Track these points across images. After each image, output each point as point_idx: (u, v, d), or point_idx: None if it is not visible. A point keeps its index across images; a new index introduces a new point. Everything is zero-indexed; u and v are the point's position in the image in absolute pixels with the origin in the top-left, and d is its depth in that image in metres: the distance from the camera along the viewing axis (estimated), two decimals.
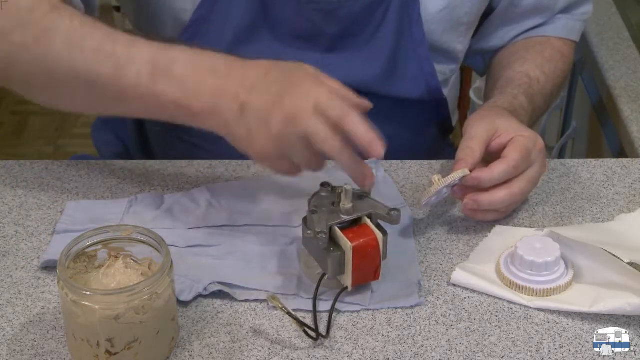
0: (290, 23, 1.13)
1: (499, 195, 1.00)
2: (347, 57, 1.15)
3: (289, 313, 0.86)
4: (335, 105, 0.88)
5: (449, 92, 1.27)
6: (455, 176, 0.98)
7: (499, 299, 0.94)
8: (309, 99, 0.88)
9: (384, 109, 1.19)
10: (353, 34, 1.14)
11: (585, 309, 0.91)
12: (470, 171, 0.99)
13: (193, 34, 1.13)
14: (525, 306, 0.93)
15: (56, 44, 0.91)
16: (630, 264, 0.92)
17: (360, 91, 1.16)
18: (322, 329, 0.89)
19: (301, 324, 0.87)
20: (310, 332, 0.87)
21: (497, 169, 0.99)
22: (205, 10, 1.12)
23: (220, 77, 0.90)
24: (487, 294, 0.94)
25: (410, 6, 1.13)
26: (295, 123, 0.87)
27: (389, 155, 1.12)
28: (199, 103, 0.91)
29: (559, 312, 0.92)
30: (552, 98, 1.24)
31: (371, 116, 1.20)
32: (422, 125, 1.26)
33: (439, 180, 0.99)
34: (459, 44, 1.21)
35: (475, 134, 1.02)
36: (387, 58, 1.16)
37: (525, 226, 1.04)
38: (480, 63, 1.33)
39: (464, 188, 1.00)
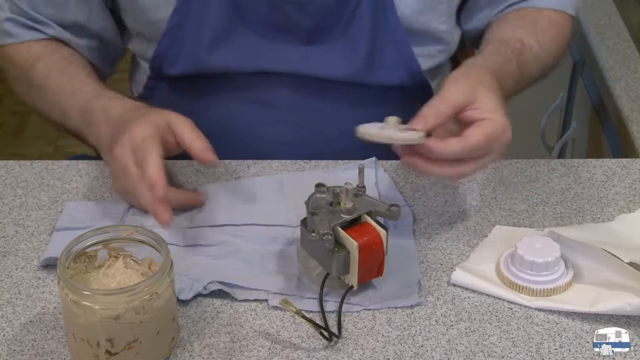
0: (265, 19, 1.14)
1: (439, 170, 0.95)
2: (326, 49, 1.16)
3: (303, 316, 0.86)
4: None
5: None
6: (409, 138, 0.92)
7: (499, 299, 0.94)
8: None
9: (368, 97, 1.19)
10: (328, 25, 1.15)
11: (585, 309, 0.91)
12: (427, 133, 0.93)
13: (170, 42, 1.15)
14: (525, 306, 0.93)
15: (34, 97, 1.18)
16: (631, 264, 0.92)
17: (342, 82, 1.17)
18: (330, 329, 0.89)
19: (317, 325, 0.87)
20: (325, 333, 0.87)
21: (451, 147, 0.93)
22: (180, 17, 1.13)
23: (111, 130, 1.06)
24: (487, 294, 0.94)
25: None
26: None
27: (382, 148, 1.11)
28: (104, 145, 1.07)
29: (559, 312, 0.92)
30: (546, 68, 1.20)
31: (356, 106, 1.21)
32: (407, 113, 1.24)
33: (391, 132, 0.92)
34: (442, 24, 1.19)
35: (451, 98, 0.96)
36: (365, 46, 1.15)
37: (525, 226, 1.04)
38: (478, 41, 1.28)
39: (410, 147, 0.95)
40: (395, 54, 1.17)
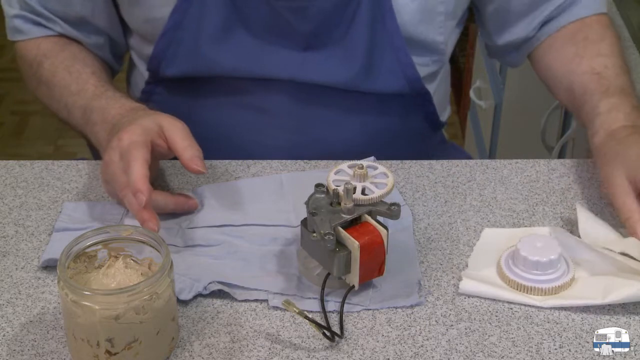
0: (264, 22, 1.14)
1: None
2: (324, 54, 1.15)
3: (306, 317, 0.86)
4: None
5: (437, 87, 1.25)
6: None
7: (512, 303, 0.93)
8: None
9: (365, 104, 1.19)
10: (327, 31, 1.14)
11: (598, 301, 0.91)
12: None
13: (168, 42, 1.15)
14: (538, 307, 0.92)
15: (43, 95, 1.21)
16: (622, 253, 0.94)
17: (339, 88, 1.16)
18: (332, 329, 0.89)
19: (320, 326, 0.87)
20: (327, 333, 0.87)
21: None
22: (179, 16, 1.13)
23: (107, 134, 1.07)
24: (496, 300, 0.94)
25: None
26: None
27: (379, 153, 1.12)
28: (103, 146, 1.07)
29: (559, 312, 0.92)
30: (625, 63, 1.19)
31: (353, 112, 1.20)
32: (406, 120, 1.24)
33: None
34: (439, 35, 1.18)
35: (624, 190, 1.00)
36: (364, 53, 1.15)
37: (525, 226, 1.04)
38: (515, 58, 1.28)
39: None
40: (394, 60, 1.16)
